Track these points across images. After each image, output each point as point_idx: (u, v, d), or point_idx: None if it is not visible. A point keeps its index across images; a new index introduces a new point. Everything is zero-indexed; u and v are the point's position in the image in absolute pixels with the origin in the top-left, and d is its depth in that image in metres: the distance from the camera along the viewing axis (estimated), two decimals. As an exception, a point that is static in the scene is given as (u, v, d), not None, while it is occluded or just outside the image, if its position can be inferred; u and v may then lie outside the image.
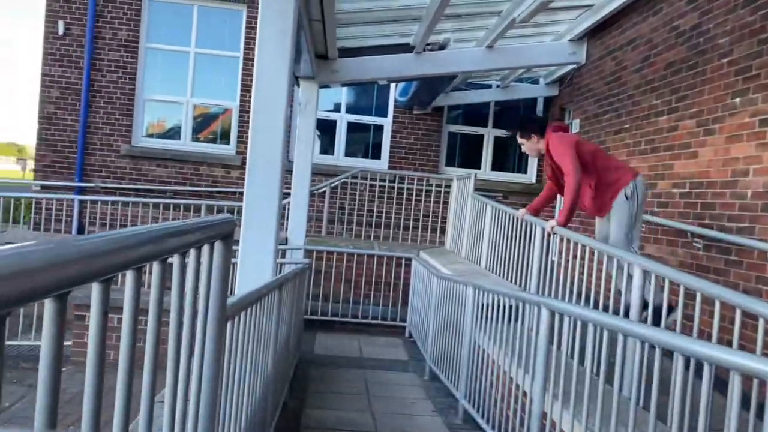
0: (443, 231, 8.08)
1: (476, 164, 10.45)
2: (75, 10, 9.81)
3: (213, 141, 10.33)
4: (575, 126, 7.11)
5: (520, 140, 4.30)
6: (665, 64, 5.16)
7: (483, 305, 4.05)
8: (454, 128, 10.48)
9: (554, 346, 2.91)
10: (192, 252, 1.17)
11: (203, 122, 10.44)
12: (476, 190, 6.69)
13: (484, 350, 3.94)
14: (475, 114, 10.53)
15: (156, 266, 1.00)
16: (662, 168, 5.05)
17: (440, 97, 9.57)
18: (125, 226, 9.00)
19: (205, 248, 1.25)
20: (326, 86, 7.36)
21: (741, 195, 4.01)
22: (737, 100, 4.14)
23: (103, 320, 0.83)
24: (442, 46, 7.35)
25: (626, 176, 3.88)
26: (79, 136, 9.85)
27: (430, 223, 8.42)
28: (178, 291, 1.15)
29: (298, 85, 7.55)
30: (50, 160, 9.90)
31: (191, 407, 1.30)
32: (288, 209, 7.41)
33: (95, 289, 0.81)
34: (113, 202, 9.37)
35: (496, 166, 10.44)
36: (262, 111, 3.63)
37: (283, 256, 6.95)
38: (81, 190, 9.80)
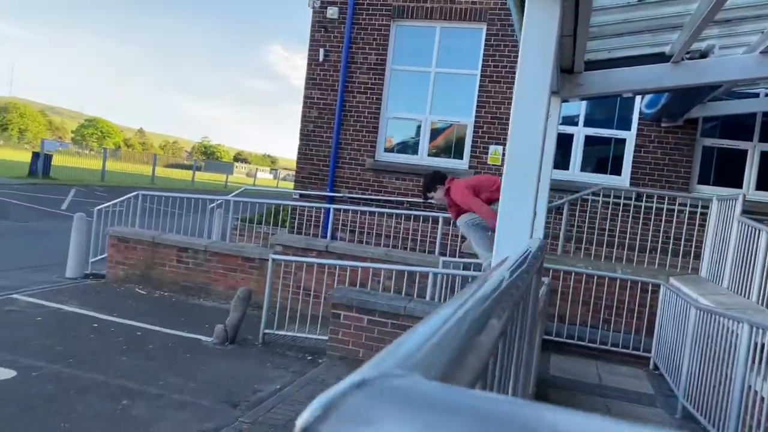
0: (696, 256, 7.31)
1: (737, 182, 9.30)
2: (333, 39, 10.95)
3: (447, 155, 10.72)
4: None
5: (429, 195, 6.26)
6: None
7: (760, 345, 3.58)
8: (709, 142, 9.46)
9: None
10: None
11: (433, 135, 10.89)
12: (743, 212, 5.94)
13: (763, 399, 3.47)
14: (736, 126, 9.39)
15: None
16: None
17: (695, 108, 8.71)
18: (365, 232, 9.77)
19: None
20: (566, 101, 7.15)
21: None
22: None
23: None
24: (703, 54, 6.69)
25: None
26: (332, 151, 10.94)
27: (681, 247, 7.67)
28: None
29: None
30: (308, 172, 11.15)
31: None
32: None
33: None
34: (356, 212, 10.16)
35: (762, 184, 9.17)
36: (520, 127, 3.65)
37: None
38: (331, 199, 10.87)
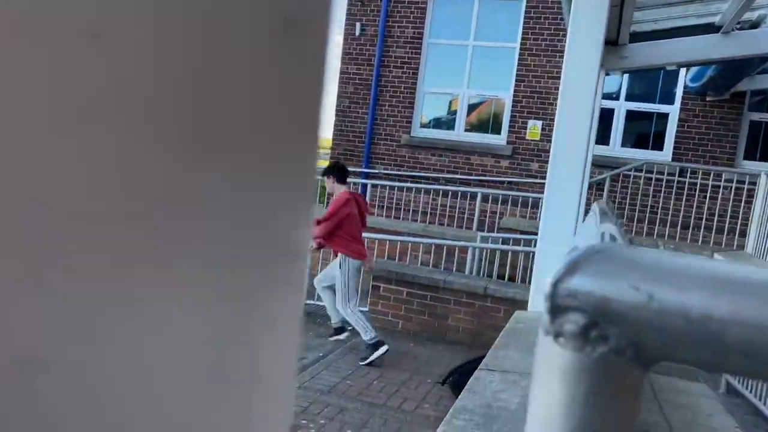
0: (741, 234, 7.16)
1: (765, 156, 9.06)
2: (369, 12, 10.88)
3: (484, 130, 10.63)
4: None
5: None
6: None
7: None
8: (757, 116, 9.19)
9: None
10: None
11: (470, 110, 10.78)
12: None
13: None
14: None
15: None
16: None
17: (743, 81, 8.46)
18: (402, 209, 9.78)
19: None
20: (608, 74, 7.02)
21: None
22: None
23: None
24: (754, 24, 6.48)
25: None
26: (368, 127, 10.95)
27: (726, 224, 7.52)
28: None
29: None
30: (343, 149, 11.20)
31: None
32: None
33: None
34: (392, 188, 10.06)
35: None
36: (570, 101, 3.62)
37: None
38: (366, 176, 10.91)
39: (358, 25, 10.91)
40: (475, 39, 10.45)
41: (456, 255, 6.76)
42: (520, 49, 10.14)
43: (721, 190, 7.57)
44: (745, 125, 9.19)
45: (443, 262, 6.57)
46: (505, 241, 6.92)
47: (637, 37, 6.50)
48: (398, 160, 10.85)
